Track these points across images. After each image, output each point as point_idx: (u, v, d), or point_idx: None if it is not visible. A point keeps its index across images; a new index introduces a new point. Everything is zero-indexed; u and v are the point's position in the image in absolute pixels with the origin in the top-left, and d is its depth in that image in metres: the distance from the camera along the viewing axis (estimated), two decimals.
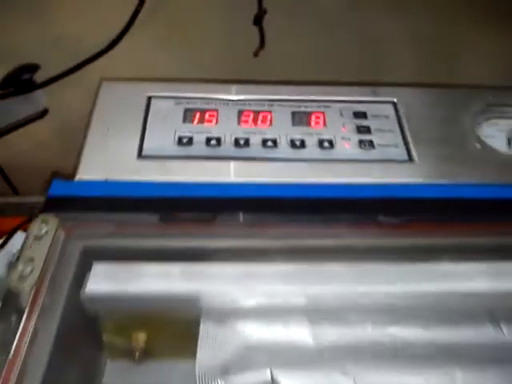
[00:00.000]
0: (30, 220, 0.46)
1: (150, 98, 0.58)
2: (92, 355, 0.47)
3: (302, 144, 0.54)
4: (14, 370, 0.37)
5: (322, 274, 0.44)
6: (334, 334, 0.42)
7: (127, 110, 0.57)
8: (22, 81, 0.66)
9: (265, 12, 0.62)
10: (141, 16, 0.62)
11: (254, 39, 0.64)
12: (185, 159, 0.52)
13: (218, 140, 0.54)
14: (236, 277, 0.43)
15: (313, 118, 0.57)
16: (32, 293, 0.40)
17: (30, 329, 0.39)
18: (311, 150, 0.54)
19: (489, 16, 0.65)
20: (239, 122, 0.56)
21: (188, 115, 0.57)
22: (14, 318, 0.39)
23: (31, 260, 0.42)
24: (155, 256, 0.45)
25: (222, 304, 0.42)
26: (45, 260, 0.42)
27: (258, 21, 0.62)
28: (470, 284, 0.44)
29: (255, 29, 0.63)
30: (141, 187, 0.49)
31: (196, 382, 0.39)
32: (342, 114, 0.57)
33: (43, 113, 0.71)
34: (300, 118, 0.57)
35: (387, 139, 0.55)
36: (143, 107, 0.57)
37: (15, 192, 0.80)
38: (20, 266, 0.41)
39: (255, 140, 0.54)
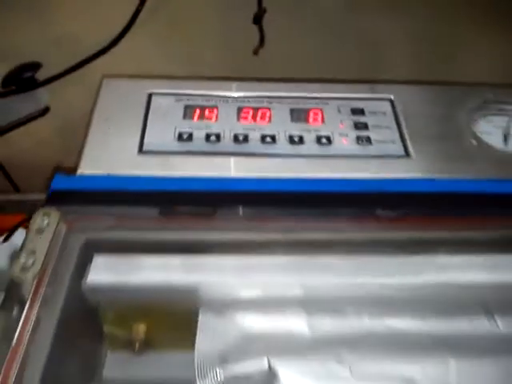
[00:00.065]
0: (31, 218, 0.47)
1: (150, 95, 0.59)
2: (93, 346, 0.47)
3: (301, 140, 0.55)
4: (16, 358, 0.38)
5: (320, 267, 0.44)
6: (330, 324, 0.42)
7: (128, 106, 0.57)
8: (24, 79, 0.67)
9: (264, 11, 0.63)
10: (142, 15, 0.62)
11: (253, 38, 0.65)
12: (185, 155, 0.53)
13: (218, 136, 0.55)
14: (234, 268, 0.44)
15: (311, 114, 0.58)
16: (34, 283, 0.41)
17: (32, 318, 0.40)
18: (309, 146, 0.55)
19: (489, 16, 0.65)
20: (239, 118, 0.57)
21: (188, 112, 0.57)
22: (16, 308, 0.40)
23: (33, 252, 0.43)
24: (155, 249, 0.45)
25: (221, 295, 0.43)
26: (46, 252, 0.43)
27: (257, 20, 0.63)
28: (465, 276, 0.44)
29: (255, 28, 0.64)
30: (141, 181, 0.49)
31: (195, 370, 0.39)
32: (339, 111, 0.58)
33: (45, 111, 0.71)
34: (298, 115, 0.58)
35: (384, 135, 0.56)
36: (144, 104, 0.58)
37: (16, 189, 0.80)
38: (22, 258, 0.42)
39: (254, 136, 0.55)
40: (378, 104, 0.59)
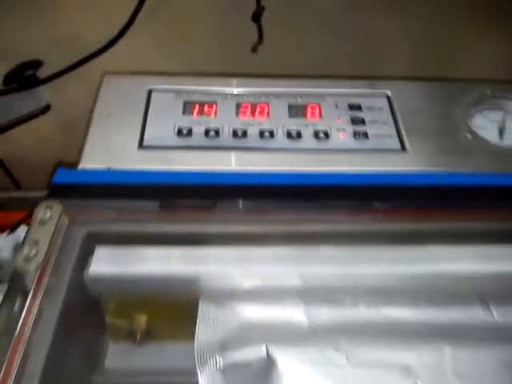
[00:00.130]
0: (32, 215, 0.47)
1: (150, 91, 0.60)
2: (94, 337, 0.48)
3: (299, 135, 0.56)
4: (19, 348, 0.38)
5: (318, 257, 0.45)
6: (327, 313, 0.43)
7: (129, 102, 0.58)
8: (25, 77, 0.67)
9: (263, 9, 0.64)
10: (141, 13, 0.63)
11: (252, 35, 0.65)
12: (184, 149, 0.54)
13: (217, 131, 0.56)
14: (234, 259, 0.45)
15: (309, 109, 0.58)
16: (37, 274, 0.42)
17: (35, 308, 0.40)
18: (307, 141, 0.55)
19: (489, 16, 0.66)
20: (237, 113, 0.58)
21: (187, 107, 0.58)
22: (19, 298, 0.41)
23: (36, 242, 0.43)
24: (156, 241, 0.46)
25: (221, 285, 0.44)
26: (49, 243, 0.44)
27: (256, 17, 0.64)
28: (461, 267, 0.45)
29: (253, 25, 0.65)
30: (142, 175, 0.50)
31: (195, 358, 0.40)
32: (337, 106, 0.59)
33: (46, 108, 0.72)
34: (296, 110, 0.59)
35: (381, 130, 0.57)
36: (144, 100, 0.59)
37: (18, 187, 0.81)
38: (25, 249, 0.43)
39: (253, 131, 0.56)
40: (375, 100, 0.60)
